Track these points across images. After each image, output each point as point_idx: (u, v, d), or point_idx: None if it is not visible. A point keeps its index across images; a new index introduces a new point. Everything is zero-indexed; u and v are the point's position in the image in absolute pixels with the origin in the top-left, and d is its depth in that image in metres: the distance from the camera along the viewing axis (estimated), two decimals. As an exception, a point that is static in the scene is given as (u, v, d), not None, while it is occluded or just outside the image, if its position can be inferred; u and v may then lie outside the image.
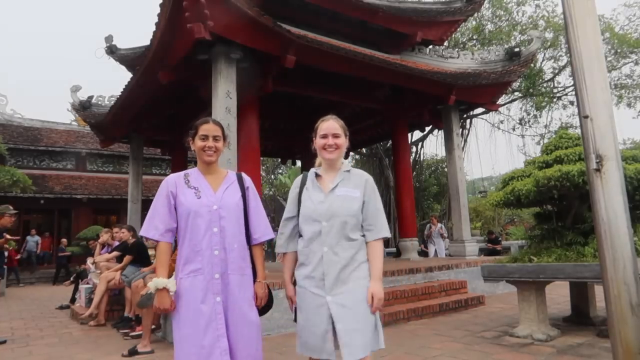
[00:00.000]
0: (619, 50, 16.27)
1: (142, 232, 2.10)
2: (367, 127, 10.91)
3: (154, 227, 2.06)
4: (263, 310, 2.17)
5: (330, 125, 2.08)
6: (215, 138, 2.11)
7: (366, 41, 8.43)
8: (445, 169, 15.06)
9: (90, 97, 9.84)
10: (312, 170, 2.16)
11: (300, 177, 2.19)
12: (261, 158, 12.22)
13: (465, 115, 15.94)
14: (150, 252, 6.03)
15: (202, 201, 2.04)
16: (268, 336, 4.68)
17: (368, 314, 1.91)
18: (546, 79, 17.49)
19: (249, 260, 2.13)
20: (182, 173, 2.16)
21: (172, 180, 2.12)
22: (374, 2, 8.16)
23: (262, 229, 2.19)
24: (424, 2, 9.91)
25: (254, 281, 2.13)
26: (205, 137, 2.10)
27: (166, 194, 2.08)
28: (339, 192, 2.01)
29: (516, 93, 17.19)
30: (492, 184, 31.74)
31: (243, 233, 2.11)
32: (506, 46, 9.81)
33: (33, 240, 16.95)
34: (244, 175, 2.24)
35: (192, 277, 2.01)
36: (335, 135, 2.07)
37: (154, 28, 6.04)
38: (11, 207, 5.48)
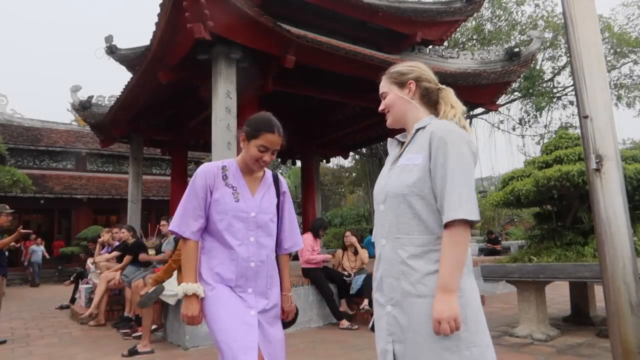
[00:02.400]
0: (618, 50, 16.29)
1: (173, 228, 1.83)
2: (367, 127, 10.89)
3: (185, 223, 1.80)
4: (287, 324, 2.01)
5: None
6: (274, 152, 1.84)
7: (366, 41, 8.43)
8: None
9: (90, 97, 9.83)
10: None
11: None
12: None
13: (465, 115, 15.93)
14: (150, 252, 6.04)
15: (240, 205, 1.81)
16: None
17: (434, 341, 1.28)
18: (546, 79, 17.50)
19: (277, 270, 1.95)
20: (219, 164, 1.88)
21: (211, 172, 1.84)
22: (374, 2, 8.16)
23: (294, 240, 2.01)
24: (424, 2, 9.91)
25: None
26: (265, 150, 1.81)
27: (203, 186, 1.81)
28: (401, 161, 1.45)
29: (516, 93, 17.20)
30: (492, 184, 31.73)
31: (274, 242, 1.92)
32: (506, 46, 9.82)
33: (39, 250, 15.60)
34: (281, 178, 2.02)
35: (223, 286, 1.79)
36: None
37: (154, 28, 6.05)
38: (7, 207, 5.45)
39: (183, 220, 1.80)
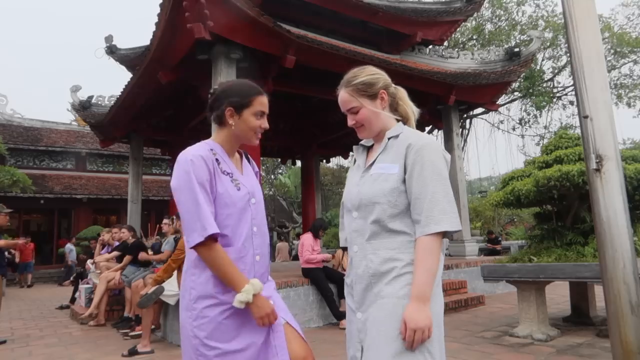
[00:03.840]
0: (618, 50, 16.29)
1: (190, 240, 1.44)
2: (367, 127, 10.89)
3: (200, 228, 1.42)
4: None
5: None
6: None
7: (366, 41, 8.44)
8: (445, 169, 15.01)
9: (90, 97, 9.84)
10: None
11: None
12: (261, 158, 12.22)
13: (465, 115, 15.96)
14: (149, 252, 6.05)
15: (241, 194, 1.56)
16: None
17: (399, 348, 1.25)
18: (546, 79, 17.50)
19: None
20: (208, 148, 1.56)
21: (210, 161, 1.52)
22: (374, 2, 8.17)
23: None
24: (424, 2, 9.91)
25: None
26: (262, 114, 1.62)
27: (207, 180, 1.49)
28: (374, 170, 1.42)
29: (516, 93, 17.21)
30: (492, 184, 31.75)
31: None
32: (506, 46, 9.82)
33: (74, 250, 14.99)
34: (248, 154, 1.80)
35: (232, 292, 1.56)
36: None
37: (154, 28, 6.05)
38: (5, 206, 5.44)
39: (194, 228, 1.43)
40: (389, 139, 1.41)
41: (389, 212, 1.33)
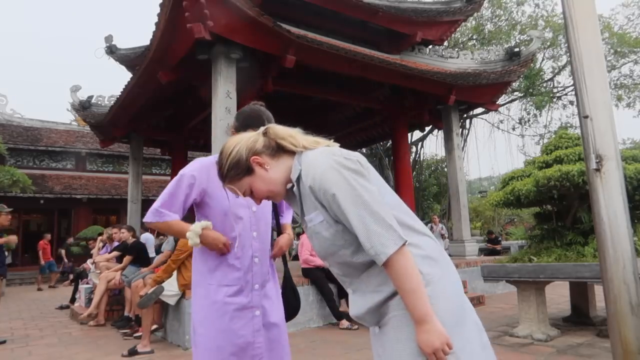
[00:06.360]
0: (618, 50, 16.29)
1: (146, 219, 1.80)
2: (367, 127, 10.91)
3: (159, 214, 1.76)
4: (291, 314, 1.99)
5: None
6: None
7: (366, 41, 8.44)
8: (445, 169, 15.07)
9: (90, 97, 9.84)
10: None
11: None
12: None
13: (465, 115, 15.95)
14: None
15: (240, 200, 1.73)
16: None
17: None
18: (546, 79, 17.50)
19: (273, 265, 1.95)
20: (213, 160, 1.75)
21: (206, 165, 1.78)
22: (374, 2, 8.16)
23: (289, 212, 2.08)
24: (424, 2, 9.91)
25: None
26: None
27: (188, 184, 1.76)
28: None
29: (516, 93, 17.20)
30: (492, 184, 31.75)
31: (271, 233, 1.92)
32: (506, 46, 9.83)
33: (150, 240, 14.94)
34: None
35: (228, 288, 1.76)
36: None
37: (153, 28, 6.04)
38: (5, 206, 5.45)
39: (156, 210, 1.75)
40: (294, 186, 1.24)
41: (350, 255, 1.20)
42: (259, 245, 1.79)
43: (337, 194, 1.12)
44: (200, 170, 1.76)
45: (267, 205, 1.85)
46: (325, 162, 1.15)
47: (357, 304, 1.26)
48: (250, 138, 1.27)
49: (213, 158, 1.75)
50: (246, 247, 1.76)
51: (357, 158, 1.18)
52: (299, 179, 1.21)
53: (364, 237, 1.12)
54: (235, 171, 1.25)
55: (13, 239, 5.60)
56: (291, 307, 1.99)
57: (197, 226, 1.71)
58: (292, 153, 1.25)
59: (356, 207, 1.11)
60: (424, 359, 1.13)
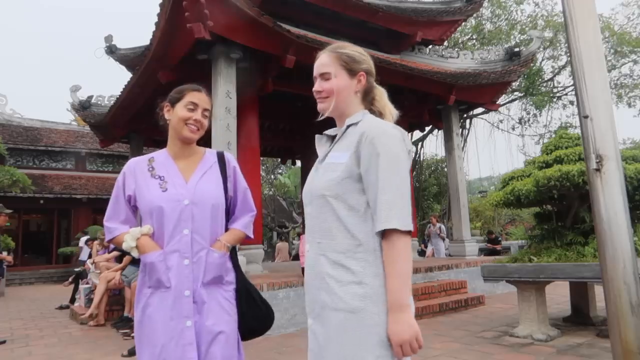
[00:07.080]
0: (618, 50, 16.30)
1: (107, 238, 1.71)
2: (367, 127, 10.89)
3: (108, 231, 1.67)
4: (255, 328, 1.74)
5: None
6: (205, 112, 1.67)
7: (366, 41, 8.43)
8: (445, 169, 15.07)
9: (90, 97, 9.84)
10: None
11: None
12: (261, 158, 12.22)
13: (465, 115, 15.95)
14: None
15: (168, 195, 1.58)
16: (268, 336, 4.67)
17: None
18: (546, 79, 17.50)
19: (230, 263, 1.67)
20: (145, 157, 1.70)
21: (132, 168, 1.67)
22: (374, 2, 8.17)
23: (243, 223, 1.75)
24: (424, 2, 9.91)
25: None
26: (194, 107, 1.64)
27: (120, 186, 1.67)
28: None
29: (516, 93, 17.21)
30: (492, 184, 31.76)
31: (221, 230, 1.67)
32: (506, 46, 9.82)
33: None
34: (227, 154, 1.79)
35: (159, 292, 1.55)
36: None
37: (153, 28, 6.05)
38: (4, 207, 5.46)
39: (106, 229, 1.68)
40: (348, 126, 1.28)
41: (338, 207, 1.20)
42: (189, 245, 1.56)
43: (382, 155, 1.16)
44: (128, 166, 1.68)
45: (206, 199, 1.62)
46: (391, 130, 1.23)
47: (320, 263, 1.26)
48: (373, 67, 1.37)
49: (145, 156, 1.72)
50: (172, 246, 1.55)
51: (410, 148, 1.26)
52: (353, 125, 1.27)
53: (385, 203, 1.13)
54: (347, 59, 1.31)
55: (8, 258, 5.78)
56: (253, 319, 1.70)
57: (135, 230, 1.60)
58: (364, 107, 1.34)
59: (392, 176, 1.15)
60: (389, 352, 1.12)
